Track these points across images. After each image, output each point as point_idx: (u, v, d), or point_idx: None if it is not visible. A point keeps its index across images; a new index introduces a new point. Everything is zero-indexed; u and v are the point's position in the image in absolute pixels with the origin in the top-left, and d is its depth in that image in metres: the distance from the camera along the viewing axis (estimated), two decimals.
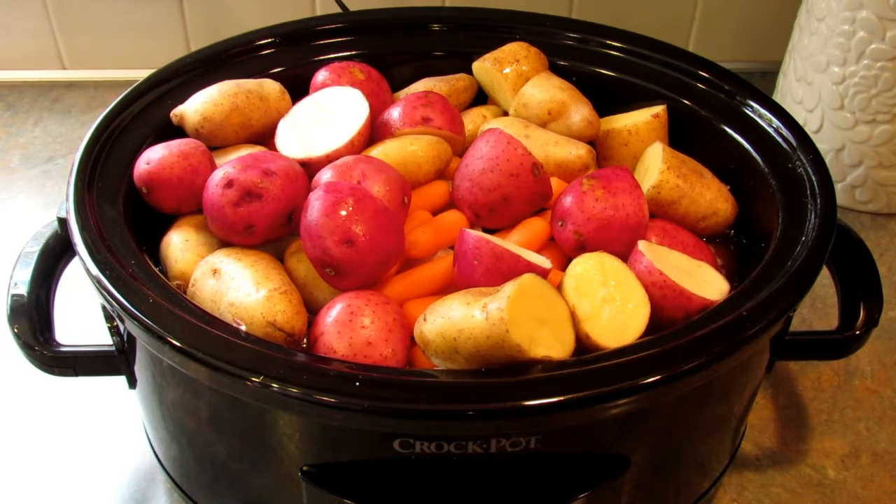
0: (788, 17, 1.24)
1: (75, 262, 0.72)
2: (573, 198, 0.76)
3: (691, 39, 1.42)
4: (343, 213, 0.70)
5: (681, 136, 0.89)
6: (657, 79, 0.93)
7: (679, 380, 0.62)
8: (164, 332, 0.63)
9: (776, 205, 0.78)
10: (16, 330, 0.73)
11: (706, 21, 1.40)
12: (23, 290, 0.75)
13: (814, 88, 1.15)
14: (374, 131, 0.87)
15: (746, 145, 0.85)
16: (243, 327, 0.68)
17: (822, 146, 1.12)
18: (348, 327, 0.68)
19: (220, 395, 0.65)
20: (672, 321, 0.70)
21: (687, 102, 0.90)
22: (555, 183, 0.82)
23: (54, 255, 0.78)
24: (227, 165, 0.75)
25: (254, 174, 0.74)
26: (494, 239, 0.71)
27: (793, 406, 0.95)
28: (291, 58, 0.95)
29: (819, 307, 1.05)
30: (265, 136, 0.88)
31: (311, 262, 0.72)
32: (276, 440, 0.67)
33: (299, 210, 0.75)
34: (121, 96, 0.85)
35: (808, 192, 0.77)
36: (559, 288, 0.70)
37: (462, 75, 0.97)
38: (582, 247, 0.75)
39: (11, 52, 1.38)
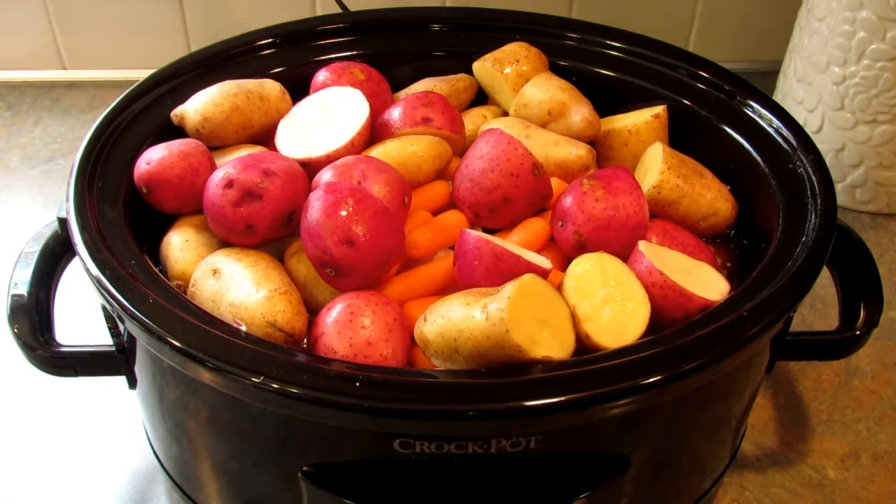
0: (788, 17, 1.24)
1: (75, 262, 0.72)
2: (573, 198, 0.76)
3: (691, 39, 1.42)
4: (343, 213, 0.70)
5: (681, 136, 0.89)
6: (657, 79, 0.93)
7: (679, 380, 0.62)
8: (164, 332, 0.63)
9: (776, 205, 0.78)
10: (16, 330, 0.73)
11: (706, 21, 1.40)
12: (23, 290, 0.75)
13: (814, 88, 1.15)
14: (375, 131, 0.87)
15: (746, 145, 0.85)
16: (243, 327, 0.68)
17: (822, 146, 1.12)
18: (348, 327, 0.68)
19: (220, 395, 0.65)
20: (672, 321, 0.70)
21: (687, 102, 0.90)
22: (555, 183, 0.82)
23: (54, 256, 0.78)
24: (228, 165, 0.75)
25: (254, 174, 0.74)
26: (495, 239, 0.71)
27: (793, 406, 0.95)
28: (292, 58, 0.95)
29: (819, 307, 1.05)
30: (265, 137, 0.88)
31: (312, 262, 0.72)
32: (276, 440, 0.67)
33: (299, 210, 0.75)
34: (121, 96, 0.85)
35: (809, 192, 0.77)
36: (559, 288, 0.70)
37: (462, 75, 0.97)
38: (582, 247, 0.75)
39: (11, 52, 1.38)
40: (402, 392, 0.60)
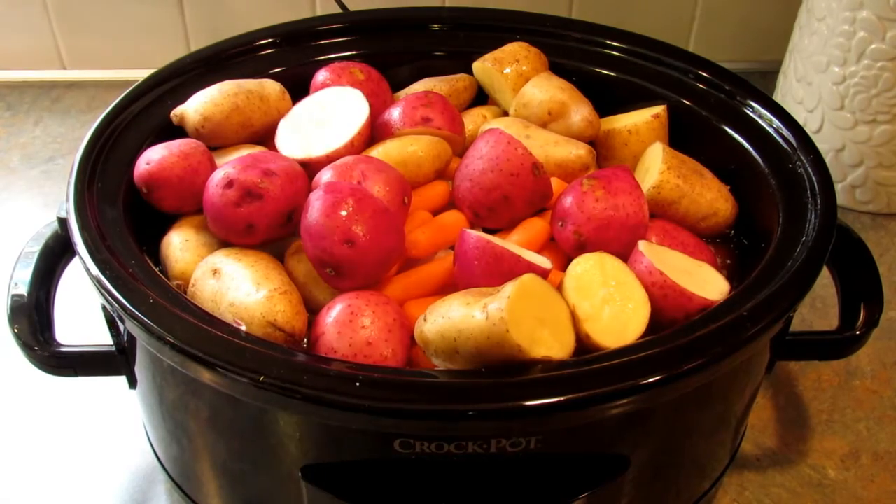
0: (788, 17, 1.24)
1: (75, 262, 0.72)
2: (573, 198, 0.76)
3: (691, 39, 1.42)
4: (343, 213, 0.70)
5: (681, 136, 0.89)
6: (657, 79, 0.93)
7: (679, 380, 0.62)
8: (164, 332, 0.63)
9: (776, 205, 0.78)
10: (16, 330, 0.73)
11: (706, 21, 1.40)
12: (23, 290, 0.75)
13: (814, 88, 1.15)
14: (375, 131, 0.87)
15: (746, 145, 0.85)
16: (243, 327, 0.68)
17: (822, 146, 1.12)
18: (348, 327, 0.68)
19: (220, 395, 0.65)
20: (672, 321, 0.70)
21: (687, 102, 0.90)
22: (555, 183, 0.82)
23: (54, 255, 0.78)
24: (228, 165, 0.75)
25: (254, 174, 0.74)
26: (494, 239, 0.71)
27: (793, 406, 0.95)
28: (291, 58, 0.95)
29: (819, 307, 1.05)
30: (265, 136, 0.88)
31: (312, 262, 0.72)
32: (276, 440, 0.67)
33: (299, 210, 0.75)
34: (121, 96, 0.85)
35: (809, 192, 0.77)
36: (559, 288, 0.70)
37: (462, 75, 0.97)
38: (582, 247, 0.75)
39: (11, 52, 1.38)
40: (402, 392, 0.60)
